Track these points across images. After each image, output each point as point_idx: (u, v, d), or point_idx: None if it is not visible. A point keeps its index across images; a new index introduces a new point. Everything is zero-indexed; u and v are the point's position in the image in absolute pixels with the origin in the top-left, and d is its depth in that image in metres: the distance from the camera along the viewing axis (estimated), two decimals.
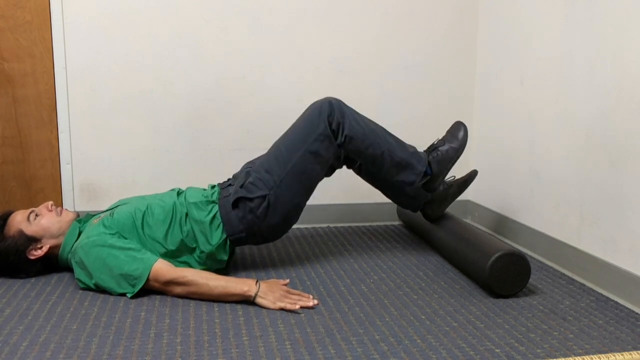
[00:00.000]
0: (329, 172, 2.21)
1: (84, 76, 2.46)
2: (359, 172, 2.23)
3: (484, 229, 2.65)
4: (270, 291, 1.73)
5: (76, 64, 2.45)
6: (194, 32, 2.51)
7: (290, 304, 1.70)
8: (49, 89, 2.45)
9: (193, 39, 2.51)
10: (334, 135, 1.96)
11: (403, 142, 2.06)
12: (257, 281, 1.76)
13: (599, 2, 1.89)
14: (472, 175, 2.29)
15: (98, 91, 2.48)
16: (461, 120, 2.16)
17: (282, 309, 1.69)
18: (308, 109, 2.02)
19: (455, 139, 2.10)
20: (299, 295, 1.76)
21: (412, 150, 2.05)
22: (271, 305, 1.70)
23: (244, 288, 1.73)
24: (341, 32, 2.62)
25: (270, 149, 2.03)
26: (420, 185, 2.08)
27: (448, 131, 2.15)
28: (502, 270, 1.78)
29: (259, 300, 1.72)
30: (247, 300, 1.74)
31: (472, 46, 2.73)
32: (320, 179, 2.02)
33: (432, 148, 2.10)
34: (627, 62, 1.78)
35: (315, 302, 1.74)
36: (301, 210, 2.02)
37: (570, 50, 2.04)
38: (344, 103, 2.00)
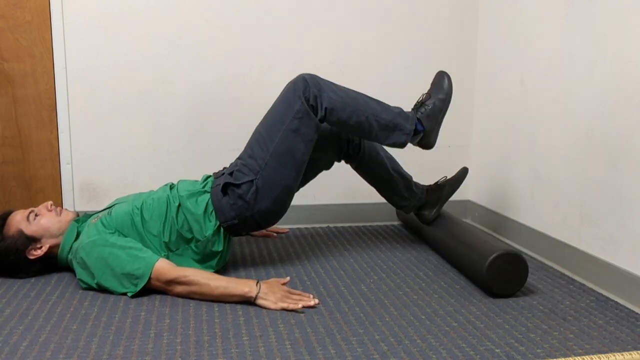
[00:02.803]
0: (328, 166, 2.21)
1: (84, 76, 2.46)
2: (356, 168, 2.23)
3: (484, 229, 2.65)
4: (271, 292, 1.73)
5: (76, 64, 2.45)
6: (194, 32, 2.51)
7: (292, 304, 1.70)
8: (49, 89, 2.45)
9: (193, 39, 2.51)
10: (314, 111, 1.92)
11: (387, 105, 2.01)
12: (257, 282, 1.76)
13: (599, 2, 1.89)
14: (463, 173, 2.29)
15: (98, 91, 2.48)
16: (443, 70, 2.12)
17: (283, 309, 1.69)
18: (284, 89, 1.98)
19: (441, 89, 2.05)
20: (299, 295, 1.76)
21: (397, 111, 2.01)
22: (272, 306, 1.70)
23: (245, 289, 1.73)
24: (341, 32, 2.62)
25: (252, 134, 2.01)
26: (416, 143, 2.06)
27: (432, 83, 2.10)
28: (500, 270, 1.79)
29: (260, 301, 1.72)
30: (248, 301, 1.74)
31: (472, 46, 2.73)
32: (306, 158, 1.97)
33: (419, 104, 2.06)
34: (627, 62, 1.78)
35: (316, 301, 1.74)
36: (293, 192, 1.99)
37: (570, 50, 2.04)
38: (318, 76, 1.95)
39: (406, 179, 2.23)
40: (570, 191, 2.06)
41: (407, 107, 2.68)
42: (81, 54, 2.45)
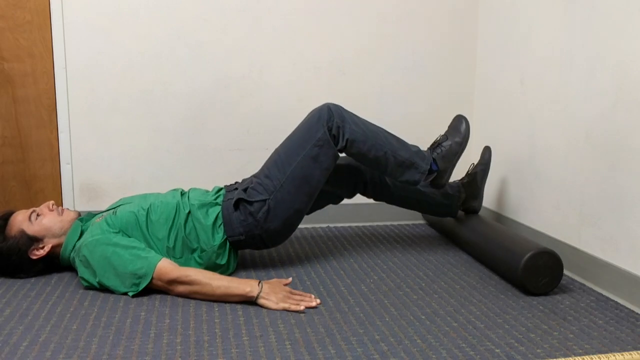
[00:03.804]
0: (336, 200, 2.24)
1: (84, 76, 2.46)
2: (389, 202, 2.27)
3: None
4: (273, 292, 1.73)
5: (76, 64, 2.45)
6: (194, 32, 2.51)
7: (294, 304, 1.71)
8: (49, 89, 2.45)
9: (193, 39, 2.51)
10: (335, 141, 1.97)
11: (405, 142, 2.06)
12: (259, 282, 1.76)
13: (599, 2, 1.89)
14: (486, 152, 2.33)
15: (98, 91, 2.48)
16: (461, 114, 2.17)
17: (285, 310, 1.69)
18: (307, 115, 2.03)
19: (458, 132, 2.11)
20: (301, 295, 1.76)
21: (415, 150, 2.05)
22: (274, 306, 1.70)
23: (247, 289, 1.73)
24: (341, 32, 2.62)
25: (271, 155, 2.04)
26: (428, 183, 2.11)
27: (450, 126, 2.16)
28: (541, 267, 1.81)
29: (261, 301, 1.72)
30: (249, 301, 1.74)
31: (472, 46, 2.73)
32: (321, 186, 2.01)
33: (436, 144, 2.11)
34: (627, 62, 1.78)
35: (318, 301, 1.74)
36: (302, 217, 2.02)
37: (570, 50, 2.04)
38: (343, 108, 2.01)
39: None
40: (570, 191, 2.06)
41: (407, 107, 2.69)
42: (81, 54, 2.45)
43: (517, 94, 2.39)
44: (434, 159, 2.06)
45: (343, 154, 2.12)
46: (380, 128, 2.05)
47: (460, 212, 2.36)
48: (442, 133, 2.17)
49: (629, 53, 1.77)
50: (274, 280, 1.82)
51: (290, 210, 1.96)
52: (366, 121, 2.04)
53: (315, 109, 2.01)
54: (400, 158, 2.02)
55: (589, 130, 1.96)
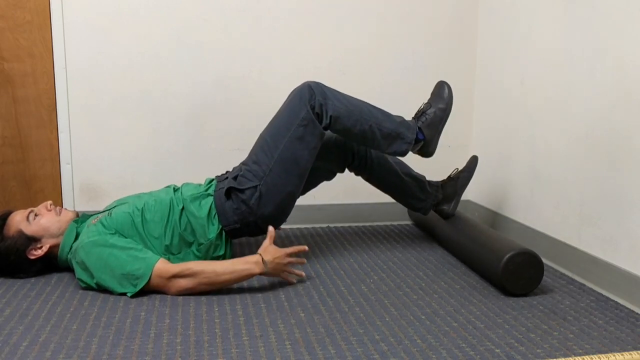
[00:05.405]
0: (329, 176, 2.23)
1: (84, 76, 2.46)
2: (368, 179, 2.25)
3: None
4: (273, 270, 1.83)
5: (76, 64, 2.45)
6: (194, 32, 2.51)
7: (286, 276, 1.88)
8: (49, 89, 2.45)
9: (193, 39, 2.51)
10: (319, 119, 1.95)
11: (389, 114, 2.05)
12: (262, 259, 1.80)
13: (599, 2, 1.89)
14: (473, 161, 2.31)
15: (98, 91, 2.48)
16: (443, 80, 2.15)
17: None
18: (289, 96, 2.01)
19: (441, 99, 2.09)
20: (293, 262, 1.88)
21: (399, 120, 2.04)
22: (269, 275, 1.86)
23: (256, 270, 1.80)
24: (341, 32, 2.62)
25: (257, 140, 2.03)
26: (416, 151, 2.10)
27: (432, 93, 2.14)
28: (519, 266, 1.80)
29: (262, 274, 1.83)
30: (247, 300, 1.74)
31: (472, 46, 2.73)
32: (310, 165, 2.00)
33: (420, 113, 2.10)
34: (627, 62, 1.78)
35: (302, 273, 1.90)
36: (295, 198, 2.02)
37: (570, 50, 2.04)
38: (323, 84, 1.98)
39: (419, 180, 2.25)
40: (570, 191, 2.06)
41: (407, 107, 2.68)
42: (81, 54, 2.45)
43: (517, 94, 2.39)
44: (419, 128, 2.05)
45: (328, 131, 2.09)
46: (364, 102, 2.03)
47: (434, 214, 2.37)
48: (425, 101, 2.15)
49: (628, 53, 1.77)
50: (272, 249, 1.84)
51: (282, 193, 1.96)
52: (349, 96, 2.01)
53: (296, 88, 1.99)
54: (386, 130, 2.00)
55: (589, 130, 1.96)
